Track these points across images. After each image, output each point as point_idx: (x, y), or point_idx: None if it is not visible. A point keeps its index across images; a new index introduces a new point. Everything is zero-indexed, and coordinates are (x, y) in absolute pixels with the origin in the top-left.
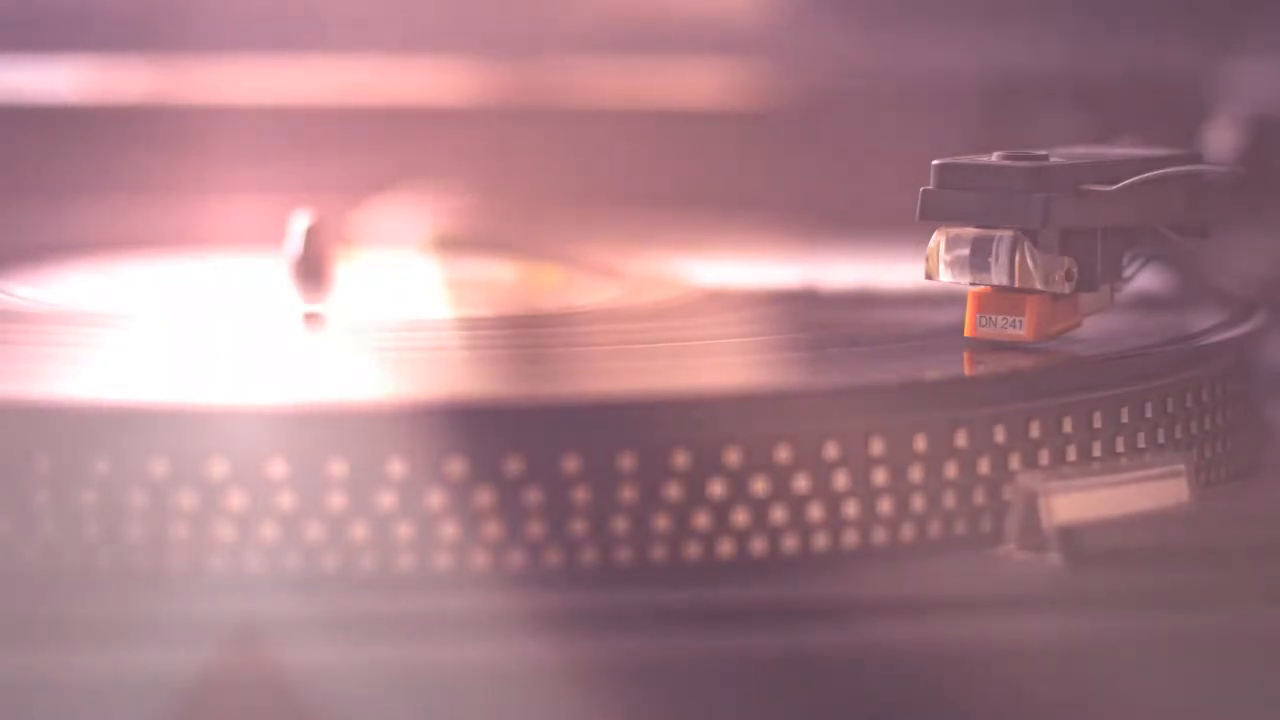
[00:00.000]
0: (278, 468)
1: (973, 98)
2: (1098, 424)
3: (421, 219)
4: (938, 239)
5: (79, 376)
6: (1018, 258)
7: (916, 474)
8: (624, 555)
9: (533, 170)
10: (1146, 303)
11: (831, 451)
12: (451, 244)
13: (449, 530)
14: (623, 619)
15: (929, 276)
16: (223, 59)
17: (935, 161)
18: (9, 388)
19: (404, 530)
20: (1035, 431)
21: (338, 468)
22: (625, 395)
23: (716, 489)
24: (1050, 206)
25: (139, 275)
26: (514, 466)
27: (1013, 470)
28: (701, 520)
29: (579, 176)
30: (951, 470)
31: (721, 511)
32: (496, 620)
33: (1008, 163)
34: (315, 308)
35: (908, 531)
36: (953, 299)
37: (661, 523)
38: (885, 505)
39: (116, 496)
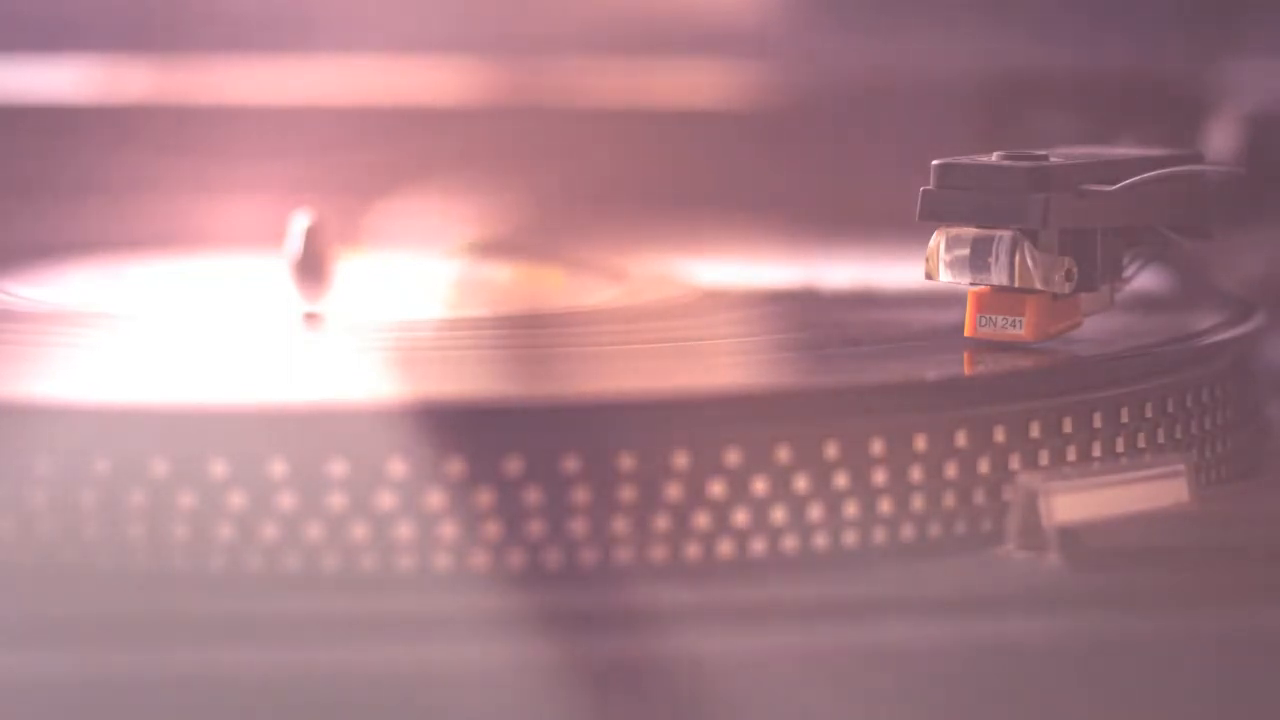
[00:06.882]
0: (278, 468)
1: (973, 98)
2: (1098, 424)
3: (445, 222)
4: (938, 239)
5: (79, 376)
6: (1018, 258)
7: (916, 474)
8: (624, 555)
9: (533, 170)
10: (1146, 303)
11: (831, 451)
12: (484, 249)
13: (449, 530)
14: (623, 619)
15: (929, 276)
16: (223, 59)
17: (935, 161)
18: (9, 388)
19: (404, 530)
20: (1035, 431)
21: (338, 468)
22: (625, 395)
23: (716, 489)
24: (1050, 206)
25: (139, 275)
26: (514, 466)
27: (1013, 470)
28: (701, 520)
29: (579, 176)
30: (951, 470)
31: (721, 511)
32: (496, 620)
33: (1008, 163)
34: (315, 308)
35: (908, 531)
36: (953, 299)
37: (661, 523)
38: (885, 505)
39: (116, 496)
